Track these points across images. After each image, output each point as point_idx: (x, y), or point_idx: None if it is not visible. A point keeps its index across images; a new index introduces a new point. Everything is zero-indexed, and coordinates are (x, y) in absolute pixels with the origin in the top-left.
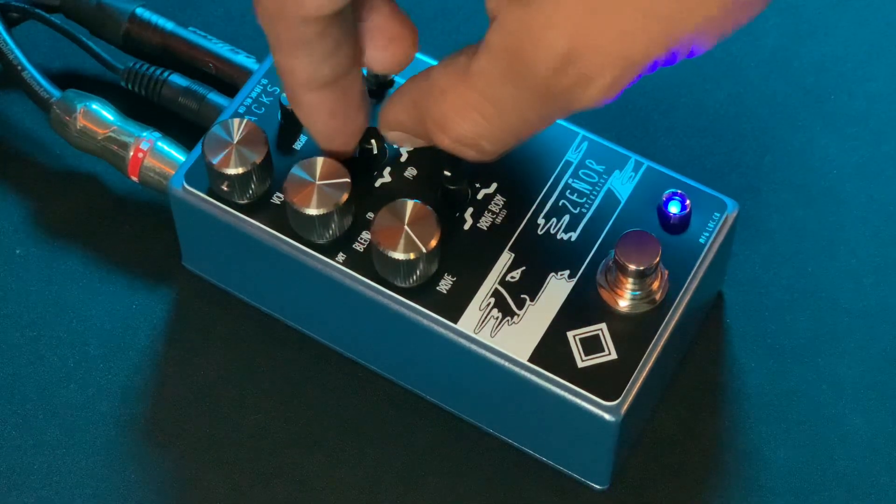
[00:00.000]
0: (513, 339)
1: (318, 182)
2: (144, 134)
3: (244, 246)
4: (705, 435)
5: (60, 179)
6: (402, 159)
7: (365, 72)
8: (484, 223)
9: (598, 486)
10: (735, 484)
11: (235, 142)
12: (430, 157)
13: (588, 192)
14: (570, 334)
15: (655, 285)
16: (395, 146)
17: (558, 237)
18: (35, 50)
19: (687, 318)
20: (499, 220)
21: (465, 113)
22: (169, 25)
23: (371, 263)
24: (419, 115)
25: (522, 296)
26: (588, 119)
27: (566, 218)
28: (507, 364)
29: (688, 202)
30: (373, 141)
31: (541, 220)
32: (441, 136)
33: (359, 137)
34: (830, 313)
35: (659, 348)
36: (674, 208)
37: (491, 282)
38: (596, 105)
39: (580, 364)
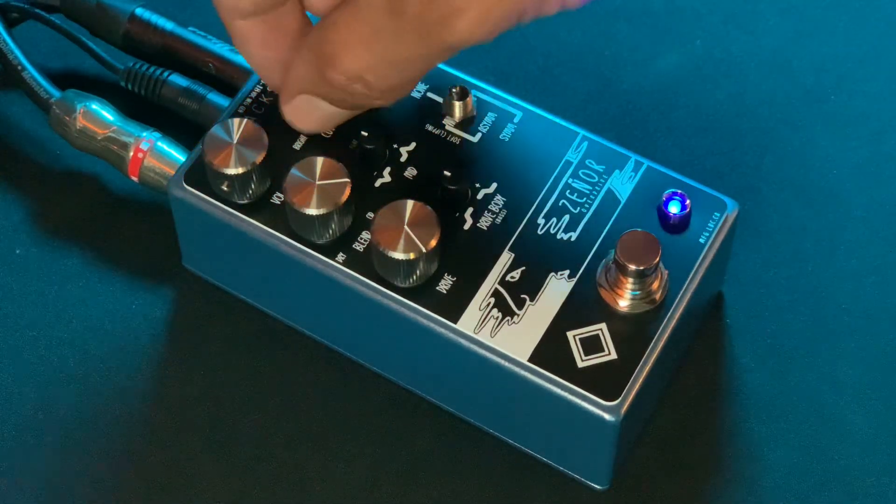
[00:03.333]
0: (513, 339)
1: (318, 182)
2: (144, 134)
3: (244, 246)
4: (705, 435)
5: (60, 179)
6: (402, 159)
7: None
8: (484, 223)
9: (598, 486)
10: (735, 484)
11: (235, 142)
12: (430, 158)
13: (588, 192)
14: (570, 334)
15: (655, 285)
16: (300, 131)
17: (558, 237)
18: (35, 50)
19: (687, 318)
20: (499, 220)
21: (352, 46)
22: (169, 25)
23: (371, 263)
24: (313, 56)
25: (522, 296)
26: (588, 119)
27: (566, 218)
28: (507, 364)
29: (688, 202)
30: (370, 138)
31: (541, 220)
32: (331, 71)
33: None
34: (830, 313)
35: (659, 348)
36: (674, 208)
37: (491, 282)
38: (471, 41)
39: (580, 364)
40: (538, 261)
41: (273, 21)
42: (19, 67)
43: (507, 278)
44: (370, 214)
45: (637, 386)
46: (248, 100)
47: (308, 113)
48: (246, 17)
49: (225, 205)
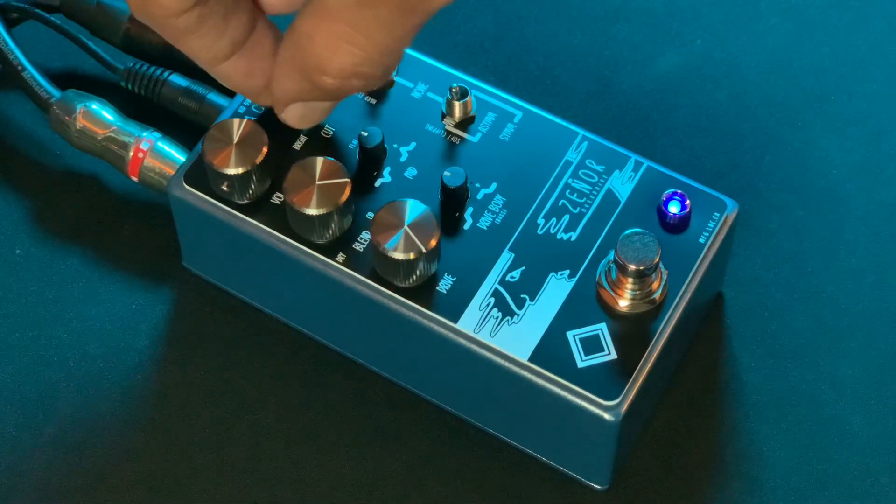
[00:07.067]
0: (513, 339)
1: (318, 182)
2: (144, 134)
3: (244, 246)
4: (705, 435)
5: (60, 179)
6: (402, 159)
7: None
8: (484, 223)
9: (598, 486)
10: (735, 484)
11: (235, 142)
12: (430, 158)
13: (588, 192)
14: (570, 334)
15: (655, 285)
16: (304, 130)
17: (558, 237)
18: (35, 50)
19: (687, 318)
20: (499, 220)
21: (338, 47)
22: None
23: (371, 263)
24: (299, 70)
25: (522, 296)
26: (588, 119)
27: (566, 218)
28: (507, 364)
29: (687, 202)
30: (370, 138)
31: (541, 220)
32: (324, 78)
33: None
34: (830, 313)
35: (659, 348)
36: (674, 208)
37: (491, 282)
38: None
39: (580, 364)
40: (538, 261)
41: (251, 51)
42: (19, 67)
43: (507, 278)
44: (370, 214)
45: (637, 386)
46: (248, 100)
47: (305, 114)
48: (228, 57)
49: (225, 205)
